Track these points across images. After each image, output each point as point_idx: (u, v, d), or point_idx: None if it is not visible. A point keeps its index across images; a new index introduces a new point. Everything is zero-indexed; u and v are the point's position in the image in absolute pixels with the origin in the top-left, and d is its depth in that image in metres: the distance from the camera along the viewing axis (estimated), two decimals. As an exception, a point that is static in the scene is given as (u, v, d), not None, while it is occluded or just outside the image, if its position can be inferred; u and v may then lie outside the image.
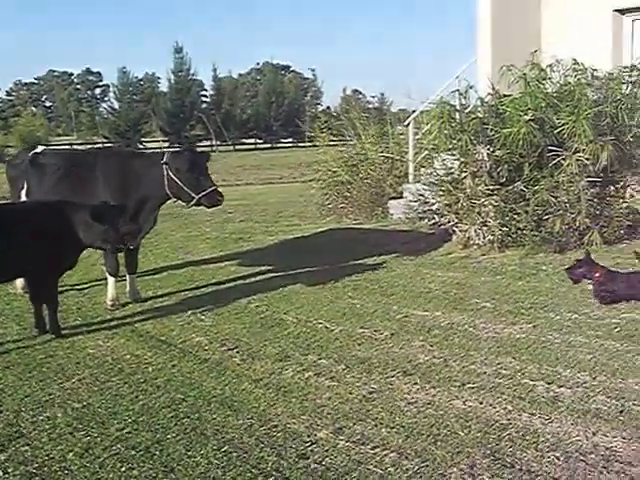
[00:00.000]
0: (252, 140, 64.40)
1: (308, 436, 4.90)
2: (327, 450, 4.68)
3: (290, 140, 65.89)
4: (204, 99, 67.41)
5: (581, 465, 4.38)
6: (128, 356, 6.70)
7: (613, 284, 7.55)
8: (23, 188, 8.84)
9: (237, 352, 6.71)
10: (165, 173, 8.27)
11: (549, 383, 5.65)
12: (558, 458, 4.46)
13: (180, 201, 8.53)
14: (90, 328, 7.64)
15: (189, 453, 4.72)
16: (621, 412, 5.08)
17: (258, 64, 79.10)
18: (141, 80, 69.59)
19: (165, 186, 8.29)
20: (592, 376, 5.76)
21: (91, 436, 5.02)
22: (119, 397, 5.72)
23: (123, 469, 4.54)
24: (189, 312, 8.05)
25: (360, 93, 73.70)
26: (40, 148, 9.32)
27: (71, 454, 4.77)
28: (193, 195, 8.28)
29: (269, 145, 63.38)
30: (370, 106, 57.68)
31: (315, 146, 19.37)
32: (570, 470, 4.31)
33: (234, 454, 4.67)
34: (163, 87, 69.32)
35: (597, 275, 7.60)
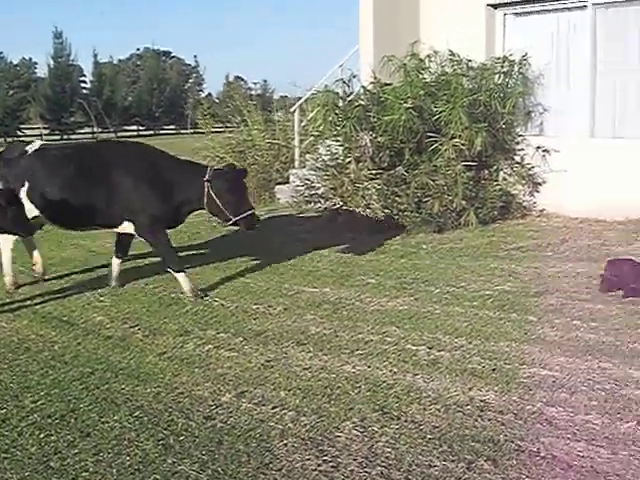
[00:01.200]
0: (134, 127, 63.68)
1: (212, 400, 5.31)
2: (231, 412, 5.11)
3: (173, 127, 65.47)
4: (84, 85, 66.17)
5: (459, 415, 4.94)
6: (33, 336, 6.94)
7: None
8: (24, 186, 8.17)
9: (139, 329, 7.05)
10: (206, 191, 8.12)
11: (430, 348, 6.22)
12: (439, 410, 5.01)
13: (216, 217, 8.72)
14: (-10, 311, 7.82)
15: (103, 419, 5.05)
16: (494, 370, 5.69)
17: (138, 50, 77.94)
18: (17, 65, 67.71)
19: (204, 203, 8.19)
20: (468, 341, 6.37)
21: (6, 409, 5.28)
22: (29, 373, 5.99)
23: (42, 436, 4.84)
24: (88, 293, 8.31)
25: (242, 80, 73.63)
26: (38, 143, 8.74)
27: (-11, 425, 5.05)
28: (230, 217, 8.21)
29: (151, 132, 62.82)
30: (253, 93, 57.83)
31: (198, 133, 19.62)
32: (449, 419, 4.87)
33: (145, 418, 5.04)
34: (40, 73, 67.67)
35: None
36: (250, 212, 8.33)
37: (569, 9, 12.56)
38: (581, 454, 4.38)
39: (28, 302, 8.12)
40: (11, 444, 4.75)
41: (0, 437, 4.86)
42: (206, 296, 8.05)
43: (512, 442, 4.53)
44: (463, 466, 4.26)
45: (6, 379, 5.87)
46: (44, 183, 8.17)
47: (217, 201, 8.09)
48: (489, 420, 4.85)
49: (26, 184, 8.17)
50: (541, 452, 4.41)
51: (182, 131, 58.44)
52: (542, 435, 4.62)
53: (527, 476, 4.13)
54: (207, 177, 8.11)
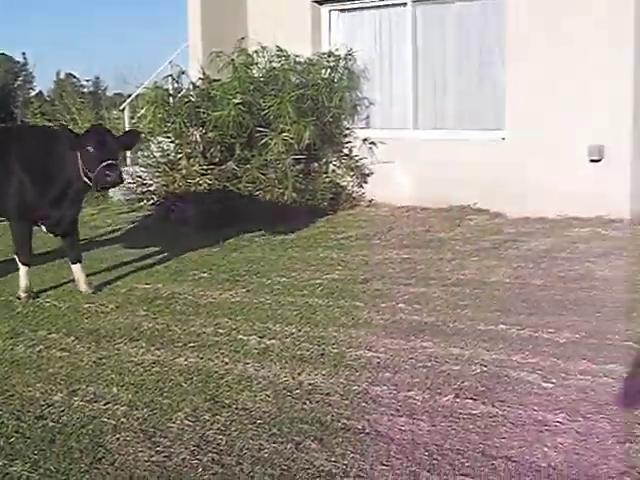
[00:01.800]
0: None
1: (44, 400, 5.27)
2: (63, 410, 5.10)
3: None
4: None
5: (288, 399, 5.11)
6: None
7: None
8: None
9: (-35, 334, 6.89)
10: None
11: (261, 337, 6.38)
12: (269, 396, 5.17)
13: None
14: None
15: None
16: (322, 355, 5.91)
17: (-39, 46, 74.77)
18: None
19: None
20: (298, 328, 6.57)
21: None
22: None
23: None
24: None
25: (74, 77, 71.72)
26: None
27: None
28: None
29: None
30: (85, 90, 56.46)
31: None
32: (279, 404, 5.04)
33: (-26, 422, 4.98)
34: None
35: None
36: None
37: (391, 5, 12.97)
38: (403, 428, 4.63)
39: None
40: None
41: None
42: (37, 297, 7.93)
43: (338, 421, 4.74)
44: (292, 447, 4.42)
45: None
46: None
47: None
48: (317, 402, 5.05)
49: None
50: (366, 429, 4.63)
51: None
52: (367, 413, 4.85)
53: (352, 452, 4.34)
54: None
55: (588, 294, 7.35)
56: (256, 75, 12.47)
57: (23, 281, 7.97)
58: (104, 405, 5.14)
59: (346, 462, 4.24)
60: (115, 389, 5.41)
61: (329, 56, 12.77)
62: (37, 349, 6.37)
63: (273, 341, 6.29)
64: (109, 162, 7.37)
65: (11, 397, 5.37)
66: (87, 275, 8.35)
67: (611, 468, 4.08)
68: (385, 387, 5.27)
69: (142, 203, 12.65)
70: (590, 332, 6.27)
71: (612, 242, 9.49)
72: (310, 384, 5.36)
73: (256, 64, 12.68)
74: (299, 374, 5.55)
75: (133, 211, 12.78)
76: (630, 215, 10.42)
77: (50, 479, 4.21)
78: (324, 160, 12.36)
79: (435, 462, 4.21)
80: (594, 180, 10.55)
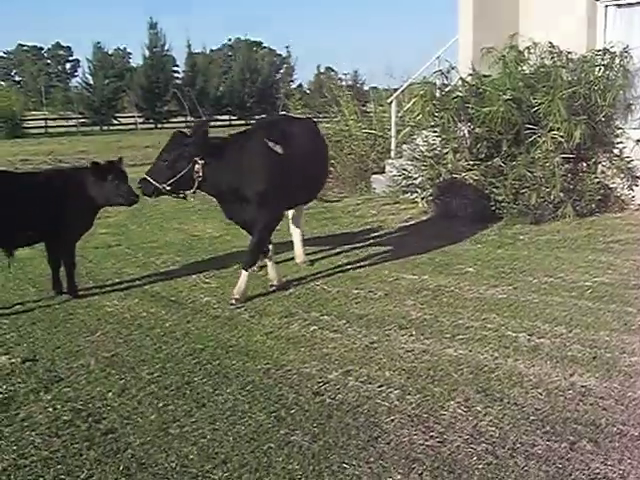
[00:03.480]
0: (226, 117, 64.52)
1: (320, 378, 5.54)
2: (338, 388, 5.33)
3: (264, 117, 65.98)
4: (178, 75, 67.36)
5: (560, 399, 5.07)
6: (144, 314, 7.29)
7: None
8: None
9: (245, 310, 7.33)
10: None
11: (530, 335, 6.34)
12: (540, 394, 5.15)
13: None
14: (103, 290, 8.20)
15: (216, 392, 5.34)
16: (594, 358, 5.79)
17: (230, 40, 78.83)
18: (111, 55, 69.12)
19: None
20: (568, 329, 6.46)
21: (125, 379, 5.62)
22: (143, 348, 6.33)
23: (160, 405, 5.16)
24: (194, 275, 8.64)
25: (333, 71, 73.88)
26: None
27: (110, 394, 5.37)
28: None
29: (243, 121, 63.56)
30: (344, 84, 57.98)
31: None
32: (551, 403, 5.00)
33: (257, 392, 5.30)
34: (134, 63, 69.03)
35: None
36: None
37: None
38: (682, 440, 4.47)
39: (137, 282, 8.49)
40: (132, 411, 5.07)
41: (121, 405, 5.17)
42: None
43: (614, 426, 4.65)
44: (566, 446, 4.40)
45: (122, 352, 6.21)
46: None
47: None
48: (590, 405, 4.97)
49: None
50: (643, 437, 4.52)
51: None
52: (644, 421, 4.72)
53: (629, 458, 4.25)
54: None
55: None
56: (526, 72, 12.32)
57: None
58: (377, 387, 5.33)
59: (623, 467, 4.17)
60: (387, 373, 5.58)
61: (604, 53, 12.35)
62: (311, 329, 6.68)
63: (542, 340, 6.22)
64: None
65: (289, 372, 5.68)
66: (354, 264, 8.70)
67: None
68: (663, 396, 5.09)
69: (406, 195, 12.86)
70: None
71: None
72: (583, 386, 5.28)
73: (527, 60, 12.53)
74: (571, 375, 5.47)
75: (396, 203, 13.00)
76: None
77: (329, 452, 4.43)
78: (593, 160, 11.98)
79: None
80: None
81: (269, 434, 4.67)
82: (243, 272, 7.75)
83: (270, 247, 8.23)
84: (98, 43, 63.21)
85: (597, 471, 4.14)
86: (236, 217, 8.00)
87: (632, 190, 12.07)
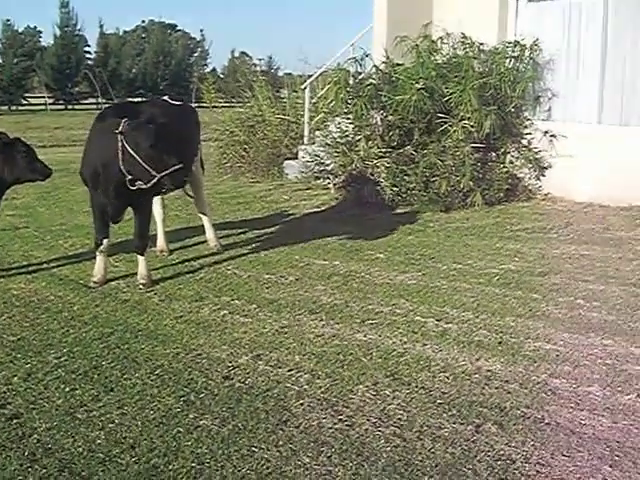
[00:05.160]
0: (138, 99, 63.59)
1: (230, 362, 5.53)
2: (248, 373, 5.33)
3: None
4: (89, 56, 66.02)
5: (467, 383, 5.16)
6: (52, 297, 7.16)
7: None
8: None
9: (155, 294, 7.26)
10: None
11: (438, 320, 6.44)
12: (447, 378, 5.24)
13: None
14: (9, 273, 8.01)
15: (125, 376, 5.28)
16: (500, 343, 5.92)
17: (144, 22, 77.46)
18: (21, 34, 67.28)
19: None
20: (475, 315, 6.59)
21: (31, 364, 5.50)
22: (50, 331, 6.21)
23: (67, 389, 5.07)
24: (103, 259, 8.51)
25: (248, 56, 73.39)
26: None
27: (15, 378, 5.24)
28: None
29: (155, 104, 62.63)
30: (258, 69, 57.70)
31: (202, 107, 19.77)
32: (457, 386, 5.10)
33: (166, 376, 5.26)
34: (45, 42, 67.26)
35: None
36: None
37: (580, -4, 12.65)
38: (583, 422, 4.61)
39: (44, 265, 8.32)
40: (38, 396, 4.97)
41: (27, 389, 5.08)
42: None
43: (518, 409, 4.76)
44: (472, 429, 4.49)
45: (29, 336, 6.09)
46: None
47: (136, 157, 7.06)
48: (495, 388, 5.08)
49: None
50: (545, 419, 4.63)
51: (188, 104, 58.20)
52: (546, 404, 4.85)
53: (532, 440, 4.36)
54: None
55: None
56: (439, 61, 12.48)
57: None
58: (287, 371, 5.35)
59: (526, 449, 4.27)
60: (297, 357, 5.61)
61: (514, 45, 12.58)
62: (221, 313, 6.67)
63: (450, 325, 6.33)
64: None
65: (199, 356, 5.66)
66: (266, 249, 8.71)
67: None
68: (564, 380, 5.23)
69: (318, 181, 12.91)
70: None
71: None
72: (488, 370, 5.39)
73: (440, 50, 12.69)
74: (477, 360, 5.58)
75: (308, 189, 13.04)
76: None
77: (238, 435, 4.43)
78: (502, 150, 12.20)
79: (617, 458, 4.19)
80: None
81: (178, 418, 4.64)
82: (140, 257, 7.70)
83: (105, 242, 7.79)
84: (8, 21, 61.45)
85: (501, 452, 4.23)
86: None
87: (539, 180, 12.35)
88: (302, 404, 4.82)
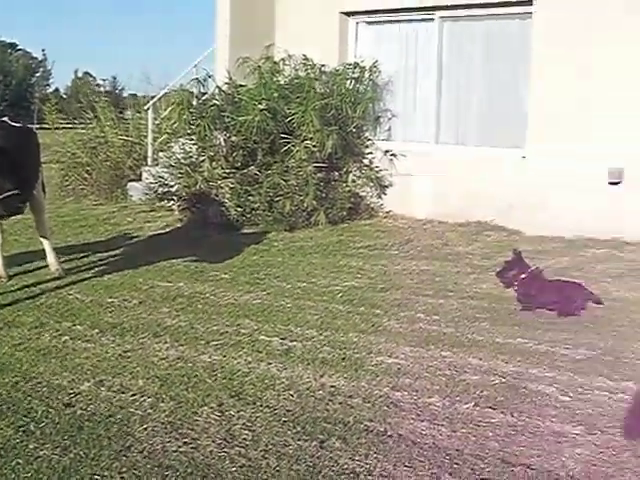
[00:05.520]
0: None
1: (71, 389, 5.39)
2: (90, 399, 5.22)
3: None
4: None
5: (311, 399, 5.22)
6: None
7: (531, 288, 7.51)
8: None
9: (-9, 322, 7.02)
10: None
11: (283, 339, 6.50)
12: (292, 395, 5.29)
13: None
14: None
15: (-41, 408, 5.08)
16: (343, 359, 6.02)
17: (-18, 40, 74.93)
18: None
19: None
20: (319, 332, 6.69)
21: None
22: None
23: None
24: (-64, 287, 8.17)
25: (91, 76, 71.99)
26: None
27: None
28: None
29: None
30: (102, 89, 56.68)
31: (44, 128, 19.32)
32: (302, 404, 5.15)
33: (4, 406, 5.07)
34: None
35: (522, 277, 7.52)
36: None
37: (418, 20, 13.08)
38: (424, 432, 4.74)
39: None
40: None
41: None
42: None
43: (361, 423, 4.85)
44: (316, 445, 4.54)
45: None
46: None
47: None
48: (339, 404, 5.16)
49: None
50: (388, 431, 4.74)
51: (29, 125, 56.59)
52: (388, 416, 4.96)
53: (375, 452, 4.45)
54: None
55: (604, 313, 7.43)
56: (282, 82, 12.63)
57: None
58: (131, 396, 5.26)
59: (369, 462, 4.35)
60: (141, 382, 5.53)
61: (354, 67, 12.90)
62: (62, 339, 6.49)
63: (295, 343, 6.40)
64: None
65: (39, 384, 5.50)
66: (109, 273, 8.55)
67: (628, 480, 4.20)
68: (406, 392, 5.37)
69: (162, 203, 12.80)
70: (606, 350, 6.36)
71: (628, 264, 9.57)
72: (332, 386, 5.47)
73: (282, 72, 12.85)
74: (321, 376, 5.66)
75: (152, 211, 12.91)
76: (646, 238, 10.50)
77: (80, 464, 4.32)
78: (345, 169, 12.47)
79: (456, 466, 4.32)
80: (612, 202, 10.64)
81: (17, 449, 4.48)
82: None
83: None
84: None
85: (345, 466, 4.30)
86: None
87: (380, 198, 12.69)
88: (146, 429, 4.75)
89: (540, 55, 11.31)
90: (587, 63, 10.81)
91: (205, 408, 5.06)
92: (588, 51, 10.81)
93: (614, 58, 10.61)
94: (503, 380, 5.65)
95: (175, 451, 4.46)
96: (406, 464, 4.33)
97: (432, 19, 12.79)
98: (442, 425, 4.85)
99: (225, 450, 4.47)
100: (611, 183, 10.71)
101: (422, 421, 4.91)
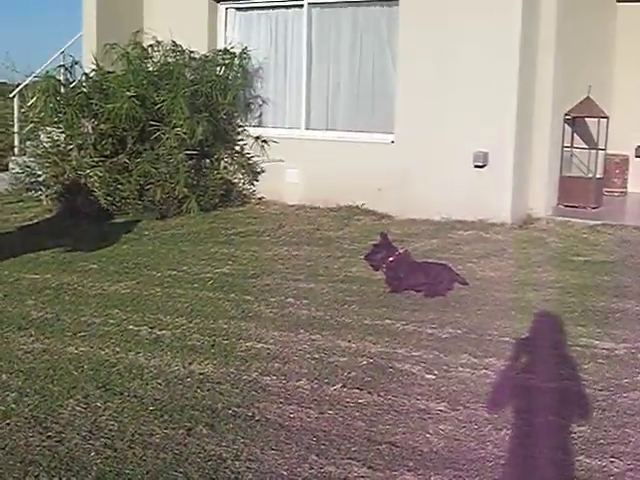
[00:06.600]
0: None
1: None
2: (-51, 397, 5.08)
3: None
4: None
5: (179, 387, 5.23)
6: None
7: (399, 270, 7.70)
8: None
9: None
10: None
11: (152, 327, 6.47)
12: (160, 384, 5.27)
13: None
14: None
15: None
16: (212, 346, 6.04)
17: None
18: None
19: None
20: (189, 320, 6.68)
21: None
22: None
23: None
24: None
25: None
26: None
27: None
28: None
29: None
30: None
31: None
32: (170, 392, 5.14)
33: None
34: None
35: (390, 259, 7.67)
36: None
37: (287, 7, 13.12)
38: (292, 416, 4.81)
39: None
40: None
41: None
42: None
43: (229, 409, 4.88)
44: (183, 432, 4.54)
45: None
46: None
47: None
48: (208, 390, 5.18)
49: None
50: (256, 416, 4.79)
51: None
52: (257, 401, 5.01)
53: (242, 437, 4.49)
54: None
55: (470, 293, 7.66)
56: (151, 69, 12.46)
57: None
58: (-7, 392, 5.14)
59: (237, 447, 4.39)
60: (4, 376, 5.40)
61: (224, 53, 12.85)
62: None
63: (164, 332, 6.37)
64: None
65: None
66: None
67: (488, 453, 4.36)
68: (275, 377, 5.44)
69: (29, 193, 12.49)
70: (471, 328, 6.59)
71: (493, 244, 9.89)
72: (201, 373, 5.48)
73: (151, 58, 12.67)
74: (190, 364, 5.66)
75: (20, 201, 12.58)
76: (511, 219, 10.87)
77: (-62, 464, 4.21)
78: (216, 157, 12.42)
79: (323, 447, 4.41)
80: (478, 185, 10.95)
81: None
82: None
83: None
84: None
85: (212, 453, 4.32)
86: None
87: (253, 185, 12.72)
88: (9, 424, 4.65)
89: (406, 41, 11.52)
90: (448, 47, 11.07)
91: (70, 401, 4.99)
92: (446, 34, 11.09)
93: (473, 38, 10.90)
94: (371, 361, 5.78)
95: (38, 446, 4.38)
96: (273, 447, 4.39)
97: (301, 5, 12.84)
98: (310, 408, 4.94)
99: (90, 442, 4.42)
100: (476, 166, 11.01)
101: (290, 404, 4.98)
